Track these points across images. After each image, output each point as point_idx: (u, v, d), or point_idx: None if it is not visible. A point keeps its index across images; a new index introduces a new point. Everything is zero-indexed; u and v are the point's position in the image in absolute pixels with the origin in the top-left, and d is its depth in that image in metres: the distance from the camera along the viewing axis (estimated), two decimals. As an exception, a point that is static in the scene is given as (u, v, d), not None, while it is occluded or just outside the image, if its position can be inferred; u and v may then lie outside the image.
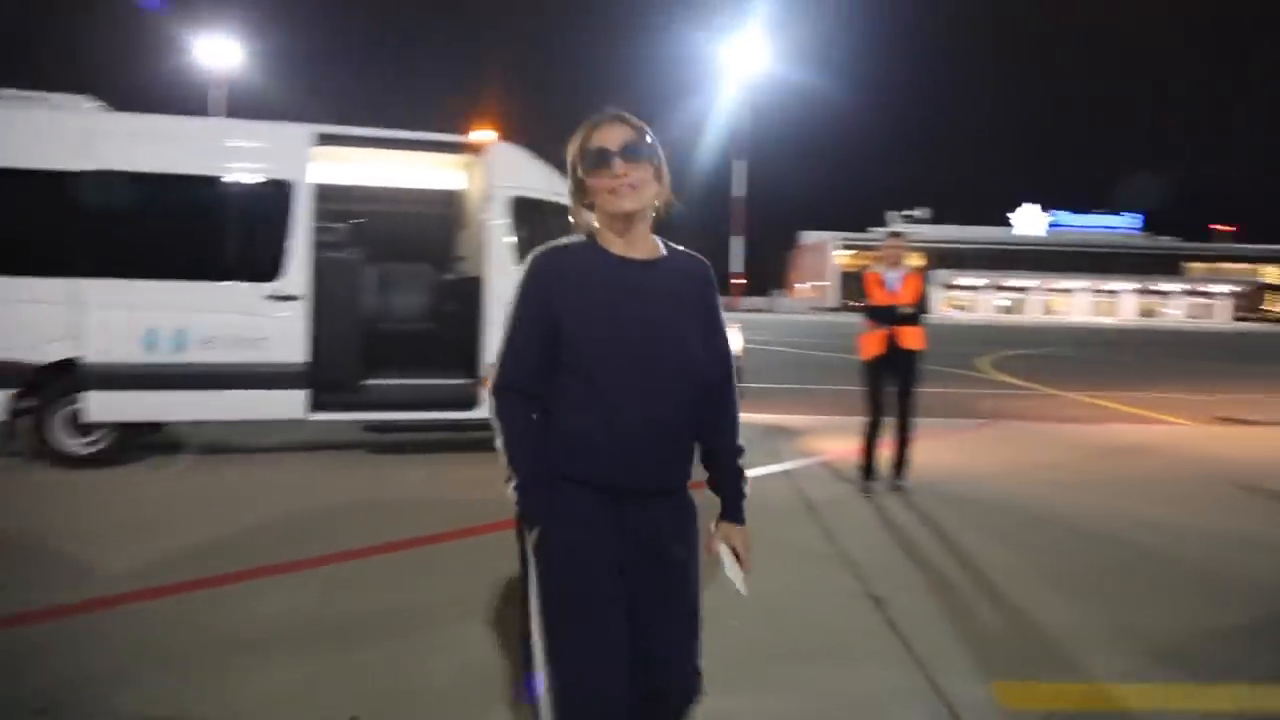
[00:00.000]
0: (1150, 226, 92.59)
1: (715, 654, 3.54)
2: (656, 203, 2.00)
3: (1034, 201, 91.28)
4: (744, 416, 8.29)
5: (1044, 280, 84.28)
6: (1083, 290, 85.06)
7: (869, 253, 75.54)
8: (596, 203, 1.97)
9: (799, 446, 8.10)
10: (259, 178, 6.92)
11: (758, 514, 5.82)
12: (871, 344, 6.34)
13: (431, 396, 7.46)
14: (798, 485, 6.54)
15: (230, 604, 3.97)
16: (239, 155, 6.94)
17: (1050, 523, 5.71)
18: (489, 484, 6.39)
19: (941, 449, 8.08)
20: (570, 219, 2.06)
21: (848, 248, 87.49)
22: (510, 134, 7.79)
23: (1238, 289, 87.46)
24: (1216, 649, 3.75)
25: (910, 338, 6.27)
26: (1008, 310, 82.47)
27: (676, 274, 2.03)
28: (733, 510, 2.12)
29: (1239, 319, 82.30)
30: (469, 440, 7.88)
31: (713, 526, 2.13)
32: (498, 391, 1.97)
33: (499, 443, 1.95)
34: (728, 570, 2.10)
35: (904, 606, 4.09)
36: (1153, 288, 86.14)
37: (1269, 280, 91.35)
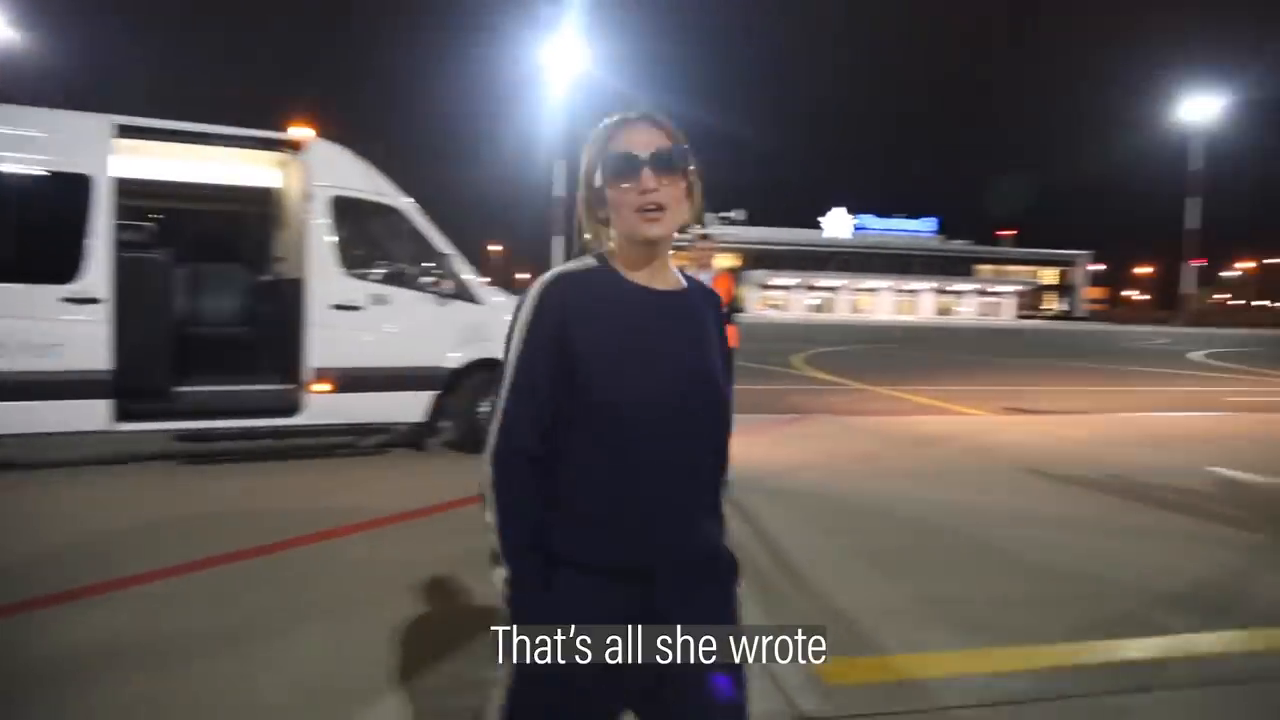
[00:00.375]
0: (945, 230, 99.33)
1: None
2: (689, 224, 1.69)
3: (842, 205, 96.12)
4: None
5: (851, 280, 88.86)
6: (886, 290, 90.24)
7: (684, 253, 77.22)
8: (616, 222, 1.61)
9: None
10: (48, 170, 6.43)
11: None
12: None
13: (250, 403, 7.16)
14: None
15: (34, 632, 3.70)
16: (22, 145, 6.42)
17: (862, 510, 6.10)
18: (311, 494, 6.27)
19: (759, 443, 8.44)
20: (582, 235, 1.70)
21: (682, 246, 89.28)
22: (329, 133, 7.58)
23: (1020, 289, 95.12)
24: (1011, 615, 4.14)
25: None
26: (819, 309, 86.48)
27: (699, 308, 1.71)
28: None
29: (1022, 316, 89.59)
30: (290, 448, 7.62)
31: None
32: (502, 459, 1.56)
33: (491, 519, 1.56)
34: None
35: (733, 595, 4.28)
36: (948, 288, 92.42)
37: (1046, 281, 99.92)
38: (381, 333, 7.31)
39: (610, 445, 1.54)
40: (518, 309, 1.60)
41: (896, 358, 25.02)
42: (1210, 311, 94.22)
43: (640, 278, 1.63)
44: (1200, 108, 73.57)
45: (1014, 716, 3.18)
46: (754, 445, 8.21)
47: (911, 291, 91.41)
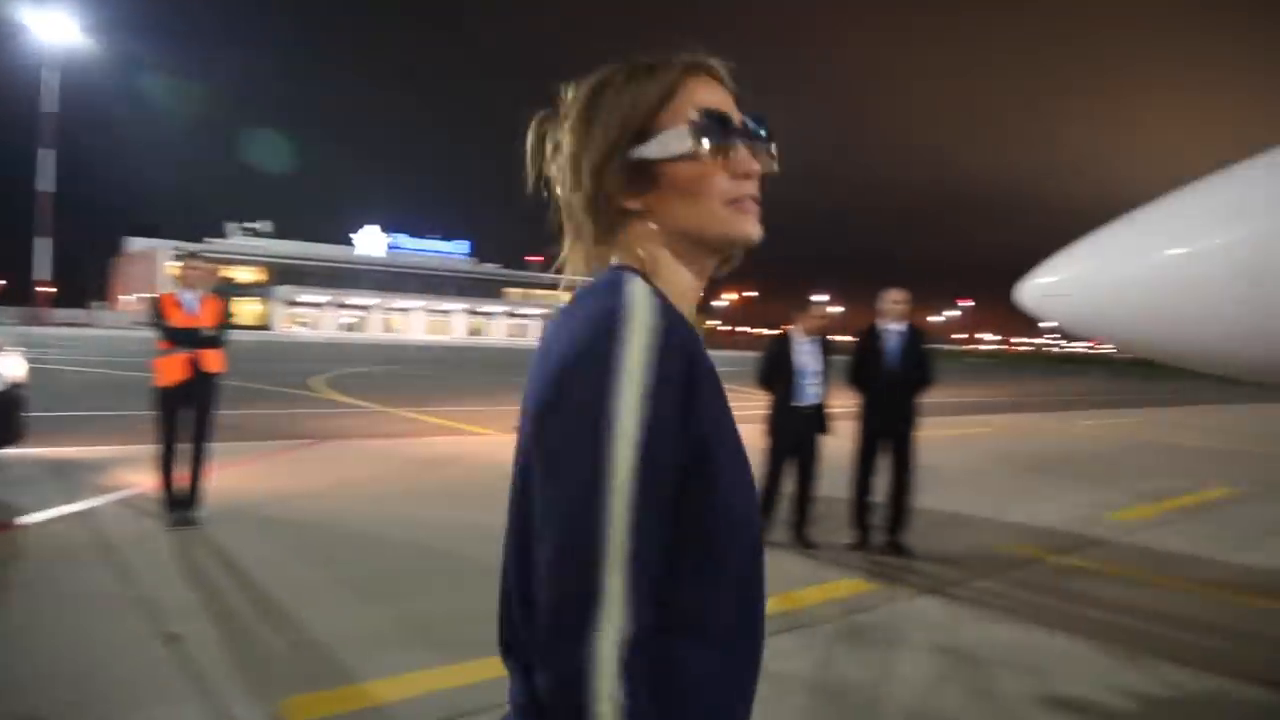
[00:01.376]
0: (477, 253, 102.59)
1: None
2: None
3: (374, 223, 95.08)
4: (32, 452, 7.44)
5: (384, 299, 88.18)
6: (419, 310, 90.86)
7: (205, 264, 71.46)
8: (683, 214, 1.05)
9: (101, 481, 7.36)
10: None
11: (42, 564, 5.17)
12: (172, 369, 6.04)
13: None
14: (95, 525, 5.95)
15: None
16: None
17: (357, 536, 6.03)
18: None
19: (261, 471, 8.02)
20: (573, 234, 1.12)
21: (181, 258, 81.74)
22: None
23: (546, 312, 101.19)
24: (493, 629, 4.33)
25: (213, 361, 6.14)
26: (350, 328, 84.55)
27: None
28: None
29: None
30: None
31: None
32: (632, 649, 0.85)
33: None
34: None
35: (199, 641, 4.00)
36: (479, 309, 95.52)
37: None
38: None
39: (717, 568, 0.97)
40: (597, 353, 0.90)
41: (423, 378, 25.22)
42: (707, 335, 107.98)
43: (688, 310, 1.07)
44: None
45: (473, 727, 3.34)
46: (254, 473, 7.79)
47: (444, 312, 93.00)
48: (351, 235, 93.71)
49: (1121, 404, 23.76)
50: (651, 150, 1.03)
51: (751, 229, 1.05)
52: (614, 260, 1.06)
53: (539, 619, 0.88)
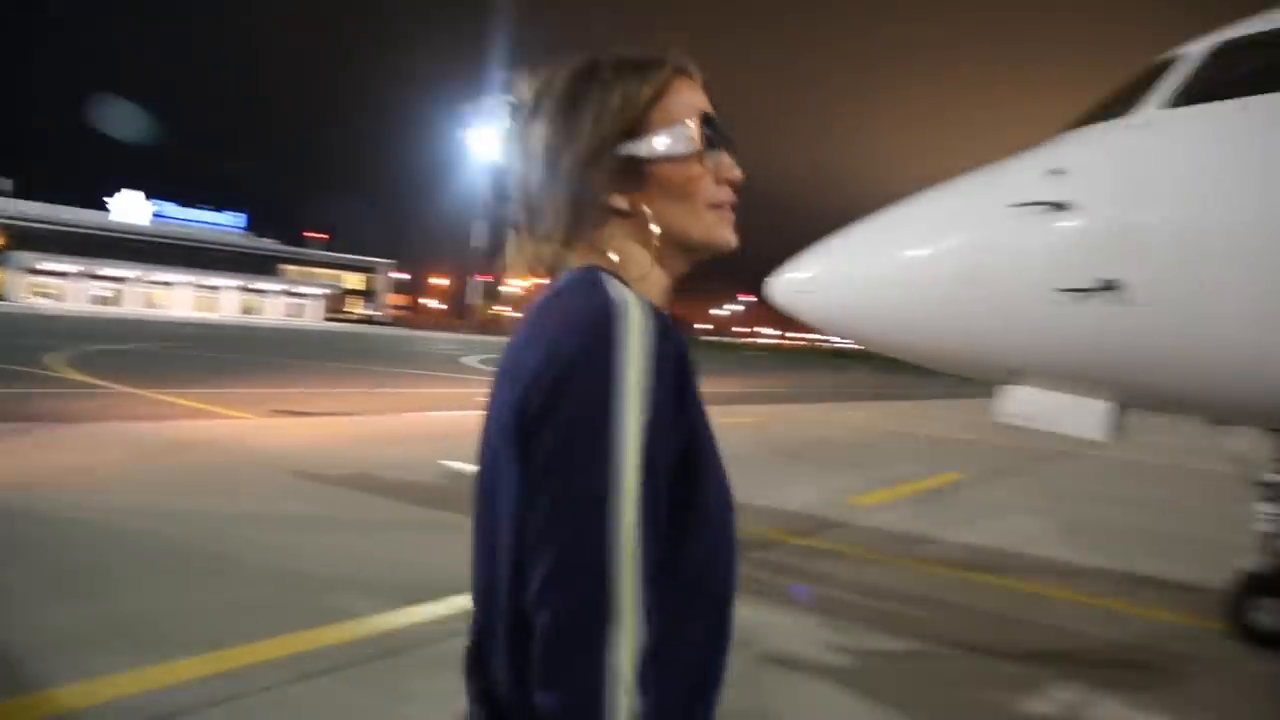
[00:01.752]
0: (253, 227, 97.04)
1: None
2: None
3: (136, 188, 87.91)
4: None
5: (145, 272, 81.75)
6: (185, 285, 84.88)
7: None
8: (672, 216, 1.03)
9: None
10: None
11: None
12: None
13: None
14: None
15: None
16: None
17: (65, 528, 5.48)
18: None
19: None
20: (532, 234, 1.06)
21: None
22: None
23: (327, 292, 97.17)
24: (204, 623, 4.05)
25: None
26: (105, 301, 77.80)
27: None
28: None
29: (327, 319, 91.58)
30: None
31: None
32: (643, 655, 0.83)
33: None
34: None
35: None
36: (253, 286, 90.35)
37: (350, 286, 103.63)
38: None
39: (694, 596, 0.96)
40: (594, 356, 0.86)
41: (183, 358, 23.52)
42: (494, 321, 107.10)
43: None
44: (484, 138, 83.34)
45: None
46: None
47: (213, 288, 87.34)
48: (106, 200, 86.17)
49: (881, 397, 25.46)
50: (646, 148, 1.01)
51: (730, 235, 1.06)
52: (576, 260, 1.02)
53: (543, 635, 0.83)
